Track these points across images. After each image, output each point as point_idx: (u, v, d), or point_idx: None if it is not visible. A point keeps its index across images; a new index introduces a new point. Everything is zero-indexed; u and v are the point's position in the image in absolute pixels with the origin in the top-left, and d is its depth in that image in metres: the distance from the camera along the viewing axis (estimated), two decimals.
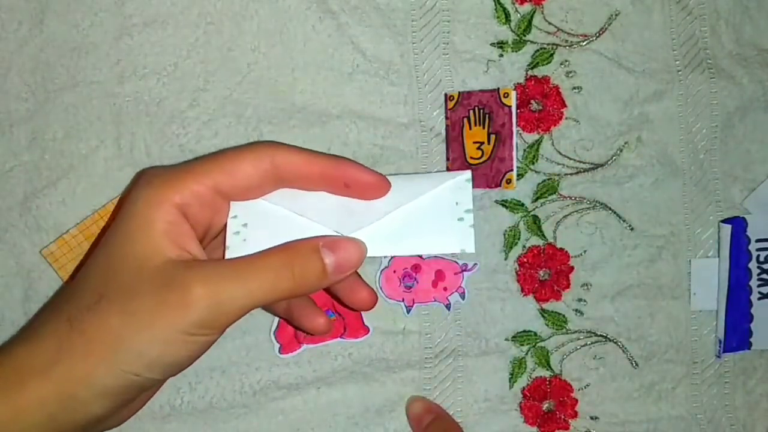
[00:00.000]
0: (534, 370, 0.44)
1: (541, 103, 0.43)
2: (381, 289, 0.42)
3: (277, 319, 0.42)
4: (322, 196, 0.32)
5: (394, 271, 0.43)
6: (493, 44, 0.43)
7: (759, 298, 0.44)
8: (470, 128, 0.42)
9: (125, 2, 0.41)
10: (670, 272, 0.45)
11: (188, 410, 0.41)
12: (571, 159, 0.44)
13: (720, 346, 0.44)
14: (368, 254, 0.31)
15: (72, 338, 0.28)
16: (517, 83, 0.43)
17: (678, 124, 0.45)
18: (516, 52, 0.43)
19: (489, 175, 0.41)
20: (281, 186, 0.32)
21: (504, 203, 0.43)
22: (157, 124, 0.41)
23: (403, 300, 0.43)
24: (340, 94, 0.42)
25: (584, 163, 0.44)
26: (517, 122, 0.42)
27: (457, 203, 0.32)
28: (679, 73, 0.45)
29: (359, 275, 0.36)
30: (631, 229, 0.44)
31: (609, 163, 0.44)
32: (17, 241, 0.41)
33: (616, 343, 0.44)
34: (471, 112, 0.42)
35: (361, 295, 0.35)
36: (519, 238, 0.44)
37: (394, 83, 0.43)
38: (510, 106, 0.41)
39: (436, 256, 0.43)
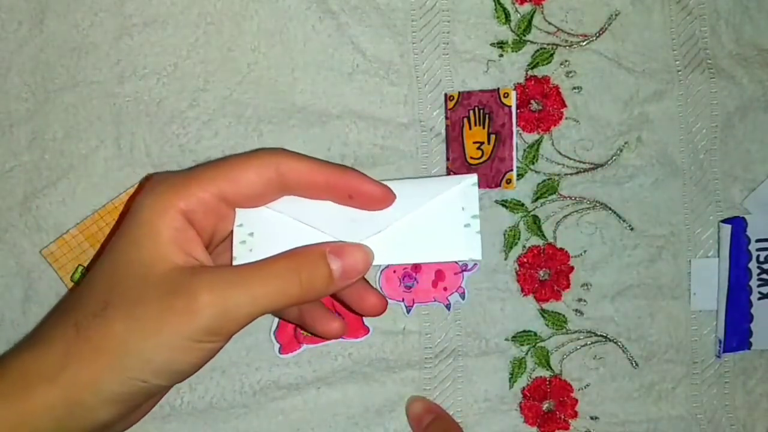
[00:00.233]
0: (534, 370, 0.44)
1: (541, 103, 0.43)
2: (381, 289, 0.42)
3: (277, 319, 0.42)
4: (328, 204, 0.32)
5: (394, 271, 0.43)
6: (493, 44, 0.43)
7: (759, 298, 0.44)
8: (470, 128, 0.42)
9: (125, 2, 0.41)
10: (670, 272, 0.45)
11: (188, 410, 0.41)
12: (571, 159, 0.44)
13: (720, 346, 0.44)
14: (375, 262, 0.31)
15: (79, 344, 0.28)
16: (517, 83, 0.43)
17: (678, 124, 0.45)
18: (516, 52, 0.43)
19: (489, 175, 0.41)
20: (286, 194, 0.32)
21: (504, 203, 0.43)
22: (157, 124, 0.41)
23: (403, 300, 0.43)
24: (340, 94, 0.42)
25: (584, 163, 0.44)
26: (517, 122, 0.42)
27: (463, 209, 0.32)
28: (679, 73, 0.45)
29: (367, 281, 0.36)
30: (631, 229, 0.44)
31: (609, 163, 0.44)
32: (17, 241, 0.41)
33: (616, 343, 0.44)
34: (471, 112, 0.42)
35: (370, 302, 0.35)
36: (519, 238, 0.44)
37: (394, 83, 0.43)
38: (510, 106, 0.41)
39: None
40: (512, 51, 0.43)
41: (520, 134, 0.43)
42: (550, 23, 0.44)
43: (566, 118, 0.44)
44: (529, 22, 0.43)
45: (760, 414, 0.45)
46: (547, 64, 0.44)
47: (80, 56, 0.41)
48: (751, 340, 0.44)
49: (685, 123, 0.45)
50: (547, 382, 0.44)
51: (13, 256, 0.41)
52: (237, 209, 0.32)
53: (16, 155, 0.41)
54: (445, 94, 0.43)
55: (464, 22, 0.43)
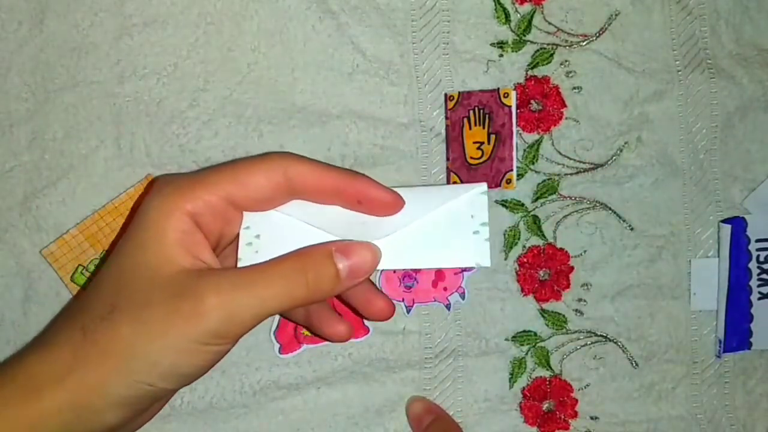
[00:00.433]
0: (534, 370, 0.44)
1: (541, 103, 0.43)
2: (381, 289, 0.42)
3: (277, 319, 0.42)
4: (336, 209, 0.32)
5: (394, 271, 0.43)
6: (493, 44, 0.43)
7: (759, 298, 0.44)
8: (470, 128, 0.42)
9: (125, 2, 0.41)
10: (670, 272, 0.45)
11: (188, 410, 0.41)
12: (571, 159, 0.44)
13: (720, 346, 0.44)
14: (382, 267, 0.31)
15: (86, 348, 0.28)
16: (517, 83, 0.43)
17: (678, 124, 0.45)
18: (516, 52, 0.43)
19: (489, 175, 0.41)
20: (294, 198, 0.32)
21: (504, 203, 0.43)
22: (157, 124, 0.41)
23: (403, 300, 0.43)
24: (340, 94, 0.42)
25: (584, 163, 0.44)
26: (517, 122, 0.42)
27: (472, 216, 0.32)
28: (679, 73, 0.45)
29: (375, 285, 0.36)
30: (631, 229, 0.44)
31: (609, 163, 0.44)
32: (17, 241, 0.41)
33: (616, 343, 0.44)
34: (471, 112, 0.42)
35: (377, 306, 0.35)
36: (519, 238, 0.44)
37: (394, 83, 0.43)
38: (510, 106, 0.41)
39: None
40: (512, 51, 0.43)
41: (520, 134, 0.43)
42: (550, 23, 0.44)
43: (566, 118, 0.44)
44: (529, 22, 0.43)
45: (760, 414, 0.45)
46: (547, 64, 0.44)
47: (80, 56, 0.41)
48: (751, 340, 0.44)
49: (685, 123, 0.45)
50: (547, 382, 0.44)
51: (13, 256, 0.41)
52: (245, 212, 0.32)
53: (16, 155, 0.41)
54: (445, 94, 0.43)
55: (464, 22, 0.43)
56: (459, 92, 0.42)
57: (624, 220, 0.44)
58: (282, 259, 0.30)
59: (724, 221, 0.44)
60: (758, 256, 0.44)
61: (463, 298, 0.43)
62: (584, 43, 0.44)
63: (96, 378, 0.28)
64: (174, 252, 0.29)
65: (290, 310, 0.31)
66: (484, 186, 0.33)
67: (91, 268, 0.40)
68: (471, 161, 0.42)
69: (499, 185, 0.41)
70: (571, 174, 0.44)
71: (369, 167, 0.42)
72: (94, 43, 0.41)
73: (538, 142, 0.44)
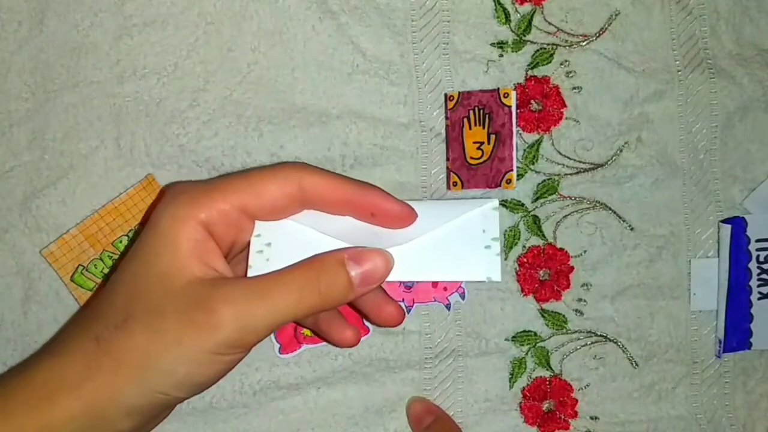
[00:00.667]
0: (534, 370, 0.44)
1: (541, 103, 0.43)
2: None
3: None
4: (348, 219, 0.32)
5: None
6: (493, 44, 0.43)
7: (759, 298, 0.44)
8: (470, 128, 0.42)
9: (125, 2, 0.41)
10: (670, 272, 0.45)
11: (188, 410, 0.41)
12: (571, 159, 0.44)
13: (720, 346, 0.44)
14: (393, 278, 0.31)
15: (99, 357, 0.28)
16: (517, 83, 0.43)
17: (678, 124, 0.45)
18: (516, 52, 0.43)
19: (489, 175, 0.41)
20: (307, 208, 0.32)
21: (504, 203, 0.43)
22: (157, 124, 0.41)
23: (403, 300, 0.43)
24: (340, 94, 0.42)
25: (584, 163, 0.44)
26: (517, 122, 0.42)
27: (484, 231, 0.32)
28: (679, 73, 0.45)
29: (385, 291, 0.36)
30: (631, 229, 0.44)
31: (609, 163, 0.44)
32: (17, 241, 0.41)
33: (616, 343, 0.44)
34: (471, 112, 0.42)
35: (388, 311, 0.35)
36: (519, 238, 0.44)
37: (394, 83, 0.43)
38: (510, 106, 0.41)
39: None
40: (512, 51, 0.43)
41: (520, 134, 0.44)
42: (550, 23, 0.44)
43: (566, 118, 0.44)
44: (529, 22, 0.43)
45: (760, 414, 0.45)
46: (547, 64, 0.44)
47: (80, 56, 0.41)
48: (751, 340, 0.44)
49: (685, 123, 0.45)
50: (547, 382, 0.44)
51: (13, 256, 0.41)
52: (257, 221, 0.32)
53: (16, 155, 0.41)
54: (445, 94, 0.43)
55: (464, 22, 0.43)
56: (459, 92, 0.42)
57: (624, 220, 0.44)
58: (294, 268, 0.30)
59: (724, 221, 0.44)
60: (758, 256, 0.44)
61: (463, 298, 0.43)
62: (584, 43, 0.44)
63: (109, 387, 0.28)
64: (187, 261, 0.29)
65: (303, 318, 0.31)
66: (496, 201, 0.33)
67: (91, 268, 0.40)
68: (471, 161, 0.42)
69: (499, 185, 0.41)
70: (571, 174, 0.44)
71: (369, 167, 0.42)
72: (94, 43, 0.41)
73: (538, 142, 0.44)
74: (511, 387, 0.44)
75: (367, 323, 0.42)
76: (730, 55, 0.45)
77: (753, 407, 0.45)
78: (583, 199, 0.44)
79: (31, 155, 0.41)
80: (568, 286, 0.44)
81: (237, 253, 0.33)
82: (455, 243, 0.32)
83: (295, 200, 0.31)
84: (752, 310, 0.44)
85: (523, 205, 0.44)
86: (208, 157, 0.42)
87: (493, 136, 0.41)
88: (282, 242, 0.32)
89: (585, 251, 0.44)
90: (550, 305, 0.44)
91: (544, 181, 0.44)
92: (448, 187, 0.43)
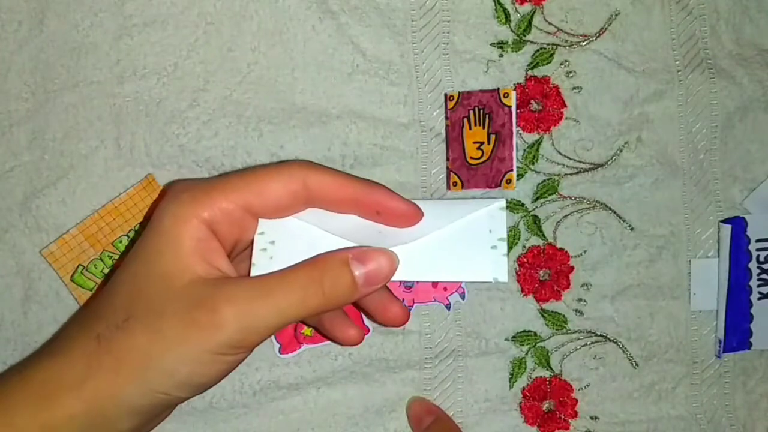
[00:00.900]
0: (534, 370, 0.44)
1: (541, 103, 0.43)
2: None
3: None
4: (352, 218, 0.32)
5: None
6: (493, 44, 0.43)
7: (759, 298, 0.44)
8: (470, 128, 0.42)
9: (125, 2, 0.41)
10: (670, 272, 0.45)
11: (188, 410, 0.41)
12: (571, 159, 0.44)
13: (720, 346, 0.44)
14: (398, 278, 0.31)
15: (100, 357, 0.28)
16: (517, 83, 0.43)
17: (678, 124, 0.45)
18: (516, 52, 0.43)
19: (489, 175, 0.41)
20: (311, 206, 0.32)
21: None
22: (157, 124, 0.41)
23: (403, 300, 0.43)
24: (340, 94, 0.42)
25: (584, 163, 0.44)
26: (517, 122, 0.42)
27: (490, 231, 0.32)
28: (679, 73, 0.45)
29: (390, 290, 0.36)
30: (631, 229, 0.44)
31: (609, 163, 0.44)
32: (17, 241, 0.41)
33: (616, 343, 0.44)
34: (471, 112, 0.42)
35: (393, 312, 0.35)
36: (519, 238, 0.44)
37: (394, 83, 0.43)
38: (510, 106, 0.41)
39: None
40: (512, 51, 0.43)
41: (520, 134, 0.44)
42: (550, 23, 0.44)
43: (566, 118, 0.44)
44: (529, 22, 0.43)
45: (760, 414, 0.45)
46: (547, 64, 0.44)
47: (80, 56, 0.41)
48: (751, 340, 0.44)
49: (685, 123, 0.45)
50: (547, 382, 0.44)
51: (13, 256, 0.41)
52: (260, 219, 0.32)
53: (16, 155, 0.41)
54: (445, 94, 0.43)
55: (464, 22, 0.43)
56: (459, 92, 0.42)
57: (624, 220, 0.44)
58: (298, 268, 0.30)
59: (724, 221, 0.44)
60: (758, 256, 0.44)
61: (463, 298, 0.43)
62: (584, 43, 0.44)
63: (110, 387, 0.28)
64: (190, 260, 0.29)
65: (306, 318, 0.31)
66: (503, 201, 0.32)
67: (91, 268, 0.40)
68: (471, 161, 0.42)
69: (499, 185, 0.41)
70: (571, 174, 0.44)
71: (369, 167, 0.42)
72: (94, 43, 0.41)
73: (538, 142, 0.44)
74: (511, 387, 0.44)
75: (367, 322, 0.42)
76: (730, 55, 0.45)
77: (753, 407, 0.45)
78: (583, 199, 0.44)
79: (31, 155, 0.41)
80: (568, 286, 0.44)
81: (240, 251, 0.33)
82: (461, 243, 0.32)
83: (299, 198, 0.31)
84: (752, 310, 0.44)
85: (523, 205, 0.44)
86: (208, 157, 0.42)
87: (493, 136, 0.41)
88: (286, 240, 0.31)
89: (585, 251, 0.44)
90: (550, 305, 0.44)
91: (544, 181, 0.44)
92: (448, 187, 0.43)
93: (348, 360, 0.42)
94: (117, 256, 0.41)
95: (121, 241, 0.41)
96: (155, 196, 0.41)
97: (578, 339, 0.44)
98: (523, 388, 0.44)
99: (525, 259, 0.43)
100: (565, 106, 0.44)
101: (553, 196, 0.44)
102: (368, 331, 0.42)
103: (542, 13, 0.44)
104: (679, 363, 0.45)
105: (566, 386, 0.44)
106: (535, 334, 0.44)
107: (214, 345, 0.28)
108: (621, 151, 0.44)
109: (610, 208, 0.44)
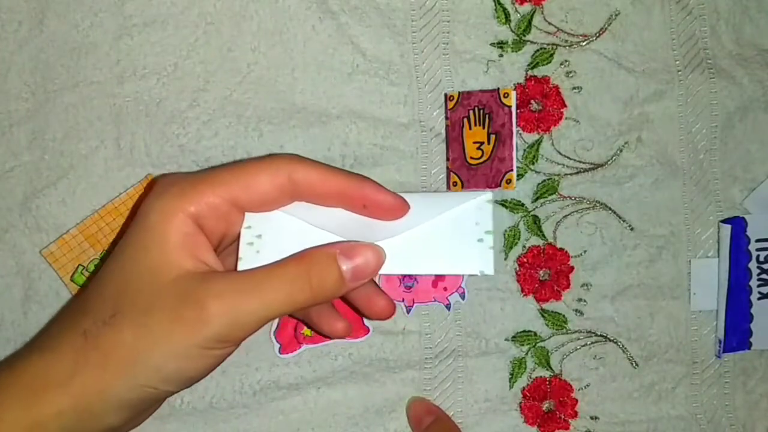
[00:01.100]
0: (534, 370, 0.44)
1: (541, 103, 0.43)
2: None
3: (277, 319, 0.42)
4: (339, 211, 0.32)
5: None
6: (493, 44, 0.43)
7: (759, 298, 0.44)
8: (470, 128, 0.42)
9: (125, 2, 0.41)
10: (670, 272, 0.45)
11: (188, 410, 0.41)
12: (571, 159, 0.44)
13: (720, 346, 0.44)
14: (385, 271, 0.31)
15: (87, 352, 0.28)
16: (517, 83, 0.43)
17: (678, 124, 0.45)
18: (516, 52, 0.43)
19: (489, 175, 0.41)
20: (298, 200, 0.32)
21: (504, 203, 0.43)
22: (157, 124, 0.41)
23: (403, 300, 0.43)
24: (340, 94, 0.42)
25: (584, 163, 0.44)
26: (517, 122, 0.42)
27: (477, 223, 0.32)
28: (679, 73, 0.45)
29: (376, 284, 0.36)
30: (631, 229, 0.44)
31: (609, 163, 0.44)
32: (17, 241, 0.41)
33: (616, 343, 0.44)
34: (471, 112, 0.42)
35: (379, 305, 0.35)
36: (519, 238, 0.44)
37: (394, 83, 0.43)
38: (510, 106, 0.41)
39: None
40: (512, 51, 0.43)
41: (520, 134, 0.44)
42: (550, 23, 0.44)
43: (566, 118, 0.44)
44: (529, 22, 0.43)
45: (760, 414, 0.45)
46: (547, 64, 0.44)
47: (80, 56, 0.41)
48: (751, 340, 0.44)
49: (685, 123, 0.45)
50: (547, 382, 0.44)
51: (13, 256, 0.41)
52: (246, 213, 0.32)
53: (16, 155, 0.41)
54: (445, 94, 0.43)
55: (464, 22, 0.43)
56: (459, 92, 0.42)
57: (624, 220, 0.44)
58: (285, 263, 0.30)
59: (724, 221, 0.44)
60: (758, 256, 0.44)
61: (463, 298, 0.43)
62: (584, 43, 0.44)
63: (98, 382, 0.28)
64: (176, 255, 0.29)
65: (293, 312, 0.31)
66: (489, 194, 0.32)
67: (91, 268, 0.40)
68: (471, 161, 0.42)
69: (499, 185, 0.41)
70: (571, 174, 0.44)
71: (369, 167, 0.42)
72: (94, 43, 0.41)
73: (538, 142, 0.44)
74: (511, 387, 0.44)
75: (367, 323, 0.42)
76: (730, 55, 0.45)
77: (753, 407, 0.45)
78: (583, 199, 0.44)
79: (31, 155, 0.41)
80: (568, 286, 0.44)
81: (227, 245, 0.33)
82: (448, 236, 0.32)
83: (286, 192, 0.31)
84: (752, 310, 0.44)
85: (523, 205, 0.44)
86: (208, 157, 0.42)
87: (493, 136, 0.41)
88: (273, 234, 0.31)
89: (585, 251, 0.44)
90: (550, 305, 0.44)
91: (544, 181, 0.44)
92: (448, 187, 0.43)
93: (348, 360, 0.42)
94: None
95: None
96: None
97: (578, 339, 0.44)
98: (523, 388, 0.44)
99: (525, 259, 0.43)
100: (565, 106, 0.44)
101: (553, 196, 0.44)
102: (368, 331, 0.42)
103: (542, 13, 0.44)
104: (679, 363, 0.45)
105: (566, 386, 0.44)
106: (535, 334, 0.44)
107: (201, 340, 0.28)
108: (621, 151, 0.44)
109: (610, 208, 0.44)
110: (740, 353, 0.45)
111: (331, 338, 0.36)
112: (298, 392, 0.42)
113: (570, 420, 0.44)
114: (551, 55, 0.44)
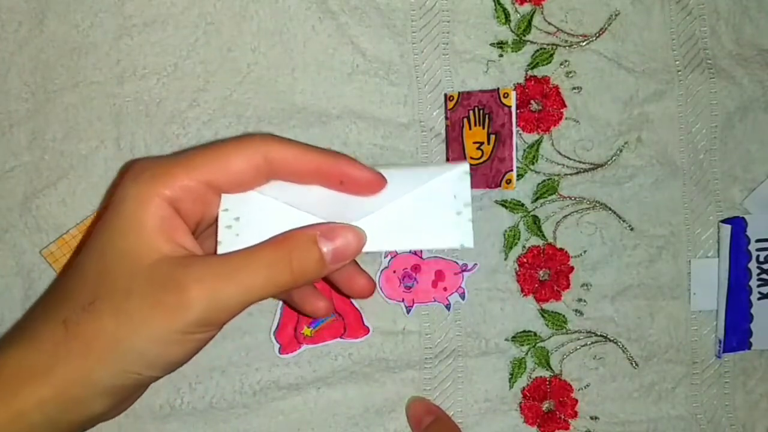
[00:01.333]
0: (534, 370, 0.44)
1: (541, 103, 0.43)
2: (381, 289, 0.42)
3: (277, 319, 0.42)
4: (317, 189, 0.32)
5: (394, 272, 0.43)
6: (493, 44, 0.43)
7: (759, 298, 0.44)
8: (470, 128, 0.42)
9: (125, 2, 0.41)
10: (670, 272, 0.45)
11: (188, 410, 0.41)
12: (571, 159, 0.44)
13: (720, 346, 0.44)
14: (365, 249, 0.31)
15: (68, 341, 0.28)
16: (517, 83, 0.43)
17: (678, 124, 0.45)
18: (516, 52, 0.43)
19: (489, 175, 0.41)
20: (274, 179, 0.31)
21: (504, 203, 0.43)
22: (157, 125, 0.41)
23: (403, 300, 0.43)
24: (340, 94, 0.42)
25: (584, 163, 0.44)
26: (516, 122, 0.42)
27: (455, 196, 0.32)
28: (679, 73, 0.45)
29: (356, 263, 0.35)
30: (631, 229, 0.44)
31: (609, 163, 0.44)
32: (17, 241, 0.41)
33: (616, 343, 0.44)
34: (471, 112, 0.42)
35: (359, 283, 0.35)
36: (519, 239, 0.44)
37: (394, 83, 0.43)
38: (510, 107, 0.41)
39: (435, 256, 0.43)
40: (512, 51, 0.43)
41: (520, 134, 0.44)
42: (550, 23, 0.44)
43: (566, 118, 0.44)
44: (529, 22, 0.43)
45: (760, 414, 0.45)
46: (547, 64, 0.44)
47: (80, 56, 0.41)
48: (751, 340, 0.44)
49: (685, 123, 0.45)
50: (547, 382, 0.44)
51: (13, 256, 0.41)
52: (223, 194, 0.31)
53: (16, 155, 0.41)
54: (445, 95, 0.43)
55: (464, 22, 0.43)
56: (459, 92, 0.42)
57: (624, 220, 0.44)
58: (265, 246, 0.29)
59: (724, 221, 0.44)
60: (758, 256, 0.44)
61: (463, 298, 0.43)
62: (584, 43, 0.44)
63: (80, 371, 0.28)
64: (154, 239, 0.29)
65: (274, 296, 0.31)
66: (466, 165, 0.32)
67: None
68: (471, 161, 0.42)
69: (499, 185, 0.41)
70: (571, 174, 0.44)
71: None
72: (94, 43, 0.41)
73: (538, 142, 0.44)
74: (511, 387, 0.44)
75: (367, 323, 0.42)
76: (730, 55, 0.45)
77: (753, 407, 0.45)
78: (583, 199, 0.44)
79: (31, 155, 0.41)
80: (568, 286, 0.44)
81: (204, 228, 0.32)
82: (427, 210, 0.32)
83: (261, 172, 0.30)
84: (752, 310, 0.44)
85: (523, 205, 0.44)
86: None
87: (493, 136, 0.41)
88: (251, 216, 0.31)
89: (585, 251, 0.44)
90: (550, 305, 0.44)
91: (544, 181, 0.44)
92: None
93: (348, 360, 0.42)
94: None
95: None
96: None
97: (578, 339, 0.44)
98: (523, 388, 0.44)
99: (525, 259, 0.43)
100: (565, 106, 0.44)
101: (553, 196, 0.44)
102: (368, 331, 0.42)
103: (542, 13, 0.44)
104: (679, 363, 0.45)
105: (566, 386, 0.44)
106: (535, 334, 0.44)
107: (182, 325, 0.28)
108: (621, 151, 0.44)
109: (610, 208, 0.44)
110: (740, 353, 0.45)
111: (313, 317, 0.36)
112: (298, 392, 0.42)
113: (570, 420, 0.44)
114: (551, 55, 0.44)
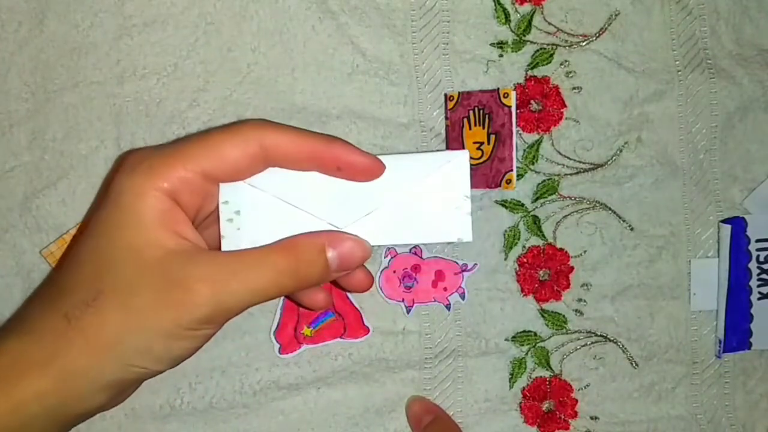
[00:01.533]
0: (534, 370, 0.44)
1: (541, 104, 0.43)
2: (381, 289, 0.42)
3: (277, 319, 0.42)
4: (314, 177, 0.32)
5: (394, 272, 0.43)
6: (493, 44, 0.43)
7: (759, 298, 0.44)
8: (470, 128, 0.42)
9: (125, 2, 0.41)
10: (670, 272, 0.45)
11: (188, 410, 0.41)
12: (571, 159, 0.44)
13: (720, 346, 0.44)
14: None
15: (70, 335, 0.28)
16: (517, 83, 0.43)
17: (678, 124, 0.45)
18: (516, 52, 0.43)
19: (489, 175, 0.41)
20: (271, 166, 0.31)
21: (504, 203, 0.43)
22: (157, 125, 0.41)
23: (403, 300, 0.43)
24: (340, 94, 0.42)
25: (584, 163, 0.44)
26: (516, 122, 0.42)
27: (454, 189, 0.32)
28: (679, 73, 0.45)
29: None
30: (631, 229, 0.44)
31: (609, 163, 0.44)
32: (17, 241, 0.41)
33: (616, 343, 0.44)
34: (471, 112, 0.42)
35: (357, 278, 0.35)
36: (519, 239, 0.44)
37: (394, 83, 0.43)
38: (510, 107, 0.41)
39: (435, 256, 0.43)
40: (512, 51, 0.43)
41: (520, 134, 0.44)
42: (550, 23, 0.44)
43: (566, 118, 0.44)
44: (529, 22, 0.43)
45: (760, 414, 0.45)
46: (547, 64, 0.44)
47: (80, 56, 0.41)
48: (751, 340, 0.44)
49: (685, 123, 0.45)
50: (547, 382, 0.44)
51: (13, 256, 0.41)
52: (221, 184, 0.31)
53: (16, 155, 0.41)
54: (445, 95, 0.43)
55: (464, 22, 0.43)
56: (459, 92, 0.42)
57: (624, 220, 0.44)
58: (272, 249, 0.30)
59: (724, 221, 0.44)
60: (758, 256, 0.44)
61: (463, 298, 0.43)
62: (584, 43, 0.44)
63: (83, 365, 0.28)
64: (156, 233, 0.29)
65: (278, 297, 0.31)
66: (466, 153, 0.32)
67: None
68: (471, 161, 0.42)
69: (499, 185, 0.41)
70: (571, 174, 0.44)
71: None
72: (94, 43, 0.41)
73: (538, 142, 0.44)
74: (511, 387, 0.44)
75: (367, 323, 0.42)
76: (730, 55, 0.45)
77: (753, 407, 0.45)
78: (583, 199, 0.44)
79: (31, 155, 0.41)
80: (568, 286, 0.44)
81: (204, 218, 0.32)
82: (425, 204, 0.32)
83: (257, 160, 0.30)
84: (752, 310, 0.44)
85: (523, 205, 0.44)
86: None
87: (493, 136, 0.41)
88: (251, 210, 0.31)
89: (585, 251, 0.44)
90: (550, 305, 0.44)
91: (544, 181, 0.44)
92: None
93: (348, 360, 0.43)
94: None
95: None
96: None
97: (578, 339, 0.44)
98: (523, 388, 0.44)
99: (525, 259, 0.43)
100: (565, 106, 0.44)
101: (553, 196, 0.44)
102: (368, 331, 0.42)
103: (542, 13, 0.44)
104: (679, 363, 0.45)
105: (566, 386, 0.44)
106: (535, 334, 0.44)
107: (188, 321, 0.28)
108: (621, 151, 0.44)
109: (610, 208, 0.44)
110: (740, 353, 0.45)
111: (312, 310, 0.36)
112: (298, 392, 0.42)
113: (570, 420, 0.44)
114: (551, 55, 0.44)
